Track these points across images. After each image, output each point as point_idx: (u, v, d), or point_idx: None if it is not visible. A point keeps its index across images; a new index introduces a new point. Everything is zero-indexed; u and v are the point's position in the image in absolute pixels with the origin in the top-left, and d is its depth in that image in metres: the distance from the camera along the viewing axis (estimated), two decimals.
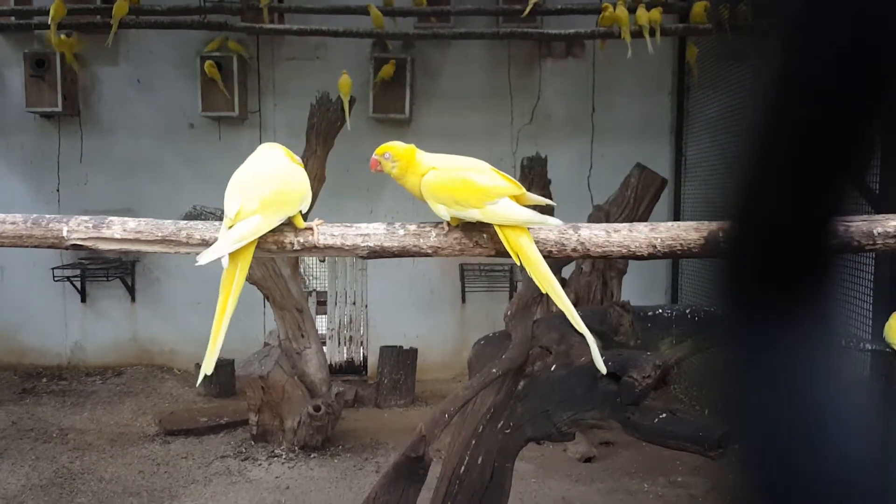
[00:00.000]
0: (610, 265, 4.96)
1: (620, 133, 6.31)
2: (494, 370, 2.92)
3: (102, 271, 6.35)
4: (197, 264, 1.69)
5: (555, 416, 2.90)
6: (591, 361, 2.85)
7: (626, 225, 1.78)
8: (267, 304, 5.45)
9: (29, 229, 1.79)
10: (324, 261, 6.63)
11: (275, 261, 4.80)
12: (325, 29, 5.65)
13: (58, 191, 6.48)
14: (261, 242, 1.75)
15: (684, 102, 6.27)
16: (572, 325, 1.80)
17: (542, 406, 2.94)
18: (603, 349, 3.03)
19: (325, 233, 1.79)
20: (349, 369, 6.48)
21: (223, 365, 6.02)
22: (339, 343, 6.51)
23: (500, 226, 1.75)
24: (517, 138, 6.36)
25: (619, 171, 4.79)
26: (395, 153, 1.85)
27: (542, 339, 3.12)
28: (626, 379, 2.70)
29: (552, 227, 1.76)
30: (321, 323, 6.37)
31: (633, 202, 4.42)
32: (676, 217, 6.23)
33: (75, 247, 1.80)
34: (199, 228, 1.81)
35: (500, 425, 2.98)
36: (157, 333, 6.56)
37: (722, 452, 2.44)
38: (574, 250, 1.76)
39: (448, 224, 1.81)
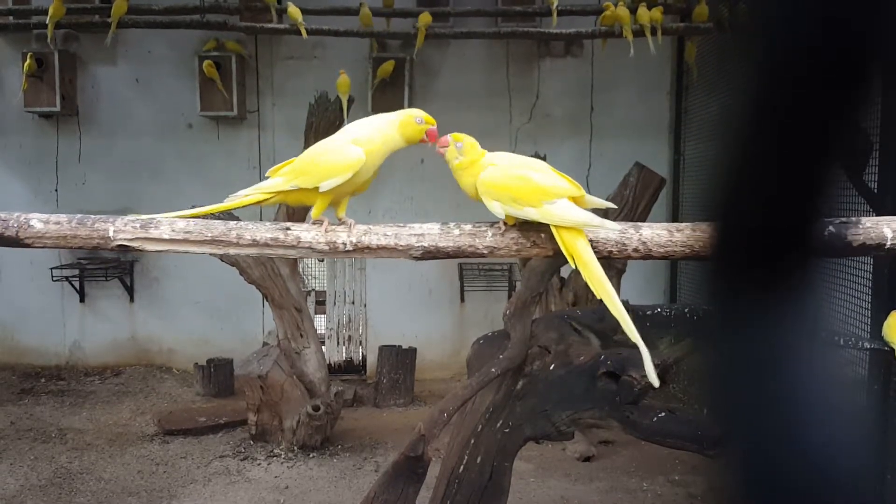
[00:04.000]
0: (609, 264, 4.96)
1: (619, 132, 6.31)
2: (493, 369, 2.92)
3: (101, 271, 6.34)
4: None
5: (554, 415, 2.90)
6: (590, 361, 2.86)
7: (689, 224, 1.72)
8: (266, 303, 5.45)
9: (73, 229, 1.75)
10: (322, 260, 6.63)
11: (273, 260, 4.80)
12: (323, 28, 5.65)
13: (56, 191, 6.47)
14: (313, 243, 1.75)
15: (683, 102, 6.27)
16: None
17: (541, 405, 2.95)
18: (602, 348, 3.04)
19: (378, 232, 1.75)
20: (348, 369, 6.48)
21: (222, 364, 6.03)
22: (338, 343, 6.51)
23: (556, 227, 1.70)
24: (516, 137, 6.36)
25: (617, 171, 4.79)
26: (468, 147, 1.80)
27: (541, 339, 3.12)
28: (624, 378, 2.71)
29: (610, 230, 1.70)
30: (320, 322, 6.36)
31: (632, 201, 4.43)
32: (675, 217, 6.23)
33: (122, 248, 1.75)
34: (250, 228, 1.77)
35: (499, 425, 2.99)
36: (156, 333, 6.56)
37: (721, 451, 2.44)
38: (635, 250, 1.70)
39: (504, 223, 1.75)
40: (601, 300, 1.70)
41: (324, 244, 1.74)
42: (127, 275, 6.46)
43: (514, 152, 1.88)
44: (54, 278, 6.25)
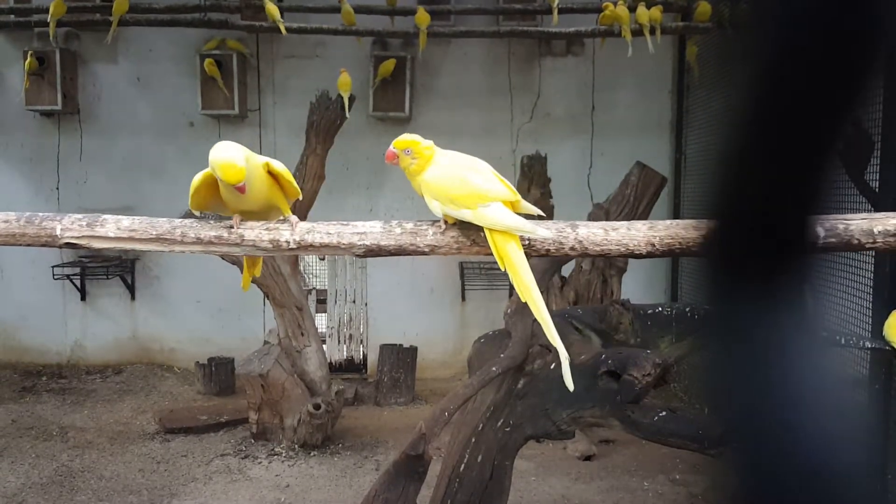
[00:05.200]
0: (610, 263, 4.97)
1: (620, 131, 6.31)
2: (494, 368, 2.93)
3: (102, 269, 6.35)
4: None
5: (554, 414, 2.90)
6: (591, 360, 2.86)
7: (625, 223, 1.75)
8: (267, 302, 5.46)
9: (22, 227, 1.77)
10: (324, 259, 6.63)
11: (274, 259, 4.80)
12: (324, 27, 5.65)
13: (57, 189, 6.48)
14: (256, 241, 1.79)
15: (684, 101, 6.27)
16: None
17: (541, 404, 2.95)
18: (603, 347, 3.04)
19: (321, 231, 1.78)
20: (349, 367, 6.49)
21: (223, 363, 6.03)
22: (339, 341, 6.52)
23: (489, 229, 1.73)
24: (517, 136, 6.36)
25: (619, 170, 4.79)
26: (417, 150, 1.80)
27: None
28: (625, 377, 2.70)
29: (541, 236, 1.73)
30: (321, 321, 6.37)
31: (633, 200, 4.43)
32: (676, 216, 6.23)
33: (69, 245, 1.78)
34: (195, 227, 1.79)
35: (499, 423, 2.99)
36: (157, 331, 6.56)
37: (722, 451, 2.44)
38: (572, 249, 1.74)
39: (445, 222, 1.79)
40: (528, 303, 1.74)
41: (267, 242, 1.77)
42: (128, 273, 6.47)
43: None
44: (55, 277, 6.25)
